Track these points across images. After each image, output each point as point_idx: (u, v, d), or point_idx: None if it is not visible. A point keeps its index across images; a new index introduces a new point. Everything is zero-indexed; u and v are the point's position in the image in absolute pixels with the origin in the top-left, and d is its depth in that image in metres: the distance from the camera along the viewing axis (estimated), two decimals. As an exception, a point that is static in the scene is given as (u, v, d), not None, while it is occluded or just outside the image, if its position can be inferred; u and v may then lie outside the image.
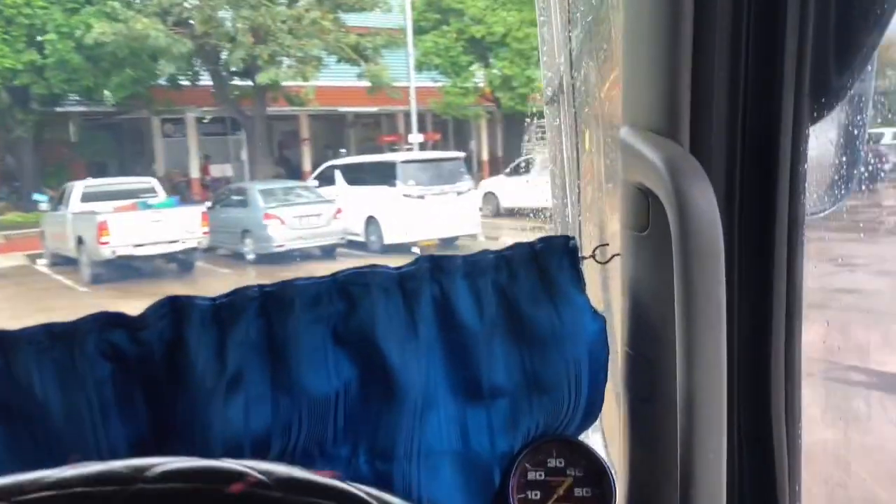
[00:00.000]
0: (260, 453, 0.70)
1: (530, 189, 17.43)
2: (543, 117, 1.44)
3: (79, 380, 0.66)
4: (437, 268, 0.75)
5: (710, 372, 0.63)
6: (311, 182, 15.94)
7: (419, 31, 21.03)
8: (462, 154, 17.01)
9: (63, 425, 0.66)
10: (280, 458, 0.71)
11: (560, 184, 1.33)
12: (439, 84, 21.73)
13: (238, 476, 0.33)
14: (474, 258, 0.76)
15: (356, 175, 15.15)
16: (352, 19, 20.24)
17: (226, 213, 13.70)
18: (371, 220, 14.07)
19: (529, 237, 0.79)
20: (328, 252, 13.75)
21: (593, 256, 0.80)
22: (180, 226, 12.41)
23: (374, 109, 22.52)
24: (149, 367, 0.68)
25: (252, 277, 12.57)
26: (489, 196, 18.71)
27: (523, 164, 18.55)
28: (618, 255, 0.79)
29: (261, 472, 0.34)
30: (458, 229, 13.99)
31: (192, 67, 19.38)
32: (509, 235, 15.98)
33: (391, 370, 0.73)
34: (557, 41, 1.24)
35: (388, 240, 13.65)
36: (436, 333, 0.75)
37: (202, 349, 0.68)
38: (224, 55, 18.61)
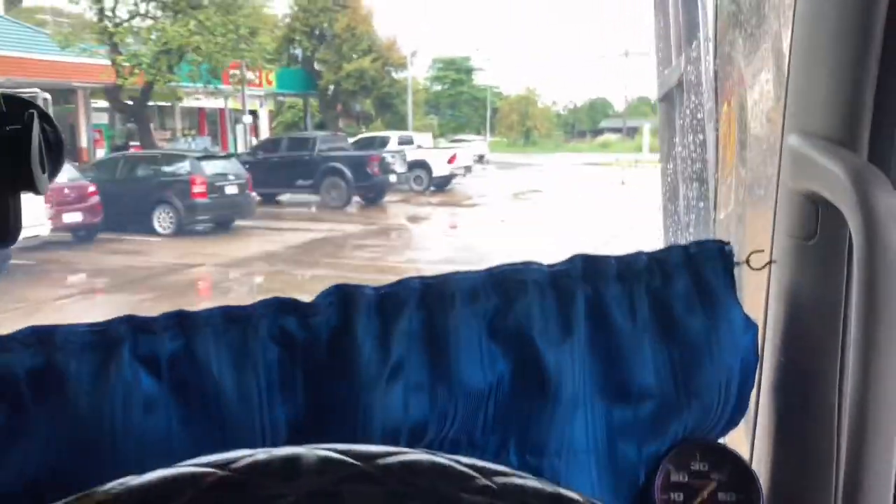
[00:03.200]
0: (415, 441, 0.71)
1: None
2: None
3: (251, 362, 0.68)
4: (590, 267, 0.75)
5: (887, 391, 0.61)
6: None
7: None
8: None
9: (233, 405, 0.68)
10: (431, 447, 0.71)
11: (672, 183, 1.32)
12: None
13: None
14: (628, 259, 0.76)
15: None
16: None
17: None
18: None
19: None
20: None
21: (748, 263, 0.78)
22: None
23: None
24: (315, 352, 0.70)
25: None
26: None
27: None
28: (774, 262, 0.78)
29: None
30: None
31: None
32: None
33: (544, 366, 0.73)
34: (676, 38, 1.23)
35: None
36: (587, 333, 0.75)
37: (367, 337, 0.70)
38: None
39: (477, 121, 55.93)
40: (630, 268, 0.75)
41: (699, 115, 1.12)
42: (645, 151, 35.55)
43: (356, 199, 16.70)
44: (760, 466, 0.81)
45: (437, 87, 55.03)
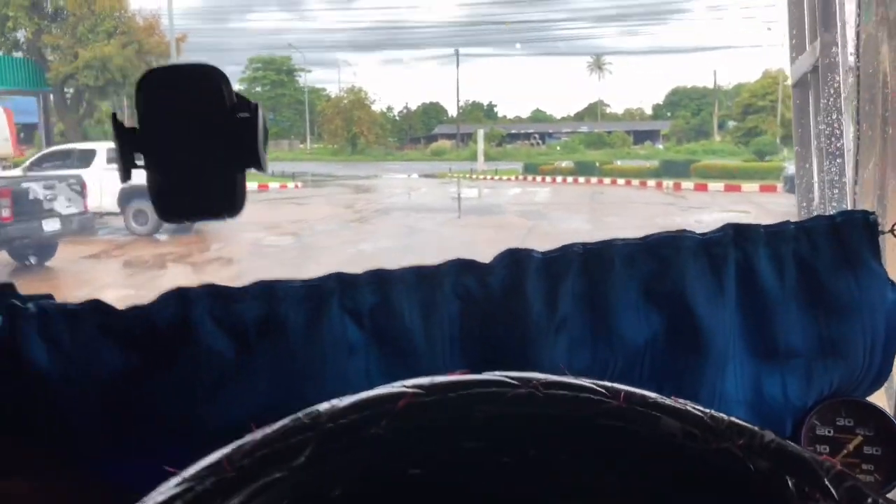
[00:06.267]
0: None
1: None
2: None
3: (437, 314, 0.76)
4: (740, 235, 0.79)
5: None
6: None
7: None
8: None
9: (421, 351, 0.76)
10: None
11: (807, 164, 1.39)
12: None
13: (399, 396, 0.42)
14: (776, 228, 0.80)
15: None
16: None
17: None
18: None
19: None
20: None
21: (892, 231, 0.80)
22: None
23: None
24: (491, 307, 0.77)
25: None
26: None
27: None
28: None
29: (416, 385, 0.42)
30: None
31: None
32: None
33: (696, 323, 0.78)
34: (811, 24, 1.29)
35: None
36: (738, 295, 0.79)
37: (537, 295, 0.76)
38: None
39: (302, 125, 49.69)
40: (778, 235, 0.78)
41: (835, 97, 1.19)
42: (480, 160, 30.83)
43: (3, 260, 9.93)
44: None
45: (257, 89, 48.22)
